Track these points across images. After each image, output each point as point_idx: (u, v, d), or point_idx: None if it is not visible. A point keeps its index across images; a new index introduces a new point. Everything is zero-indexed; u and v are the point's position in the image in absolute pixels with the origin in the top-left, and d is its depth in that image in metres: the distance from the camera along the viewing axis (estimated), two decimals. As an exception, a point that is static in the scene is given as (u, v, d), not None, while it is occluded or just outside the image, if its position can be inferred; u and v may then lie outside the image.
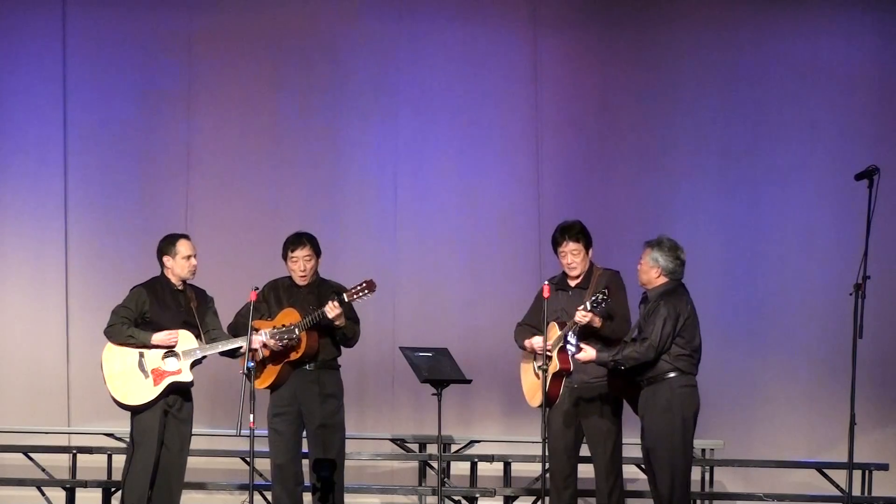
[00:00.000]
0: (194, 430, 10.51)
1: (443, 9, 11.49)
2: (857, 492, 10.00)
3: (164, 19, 11.36)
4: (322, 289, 8.60)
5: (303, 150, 11.41)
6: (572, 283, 8.21)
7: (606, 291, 7.83)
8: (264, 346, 8.29)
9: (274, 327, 8.35)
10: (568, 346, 7.85)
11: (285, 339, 8.28)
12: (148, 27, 11.35)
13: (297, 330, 8.31)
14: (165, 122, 11.38)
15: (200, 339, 8.31)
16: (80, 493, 10.01)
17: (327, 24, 11.44)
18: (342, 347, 8.64)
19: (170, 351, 8.27)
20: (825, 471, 10.40)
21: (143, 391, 8.21)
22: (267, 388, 8.52)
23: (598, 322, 7.93)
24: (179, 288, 8.41)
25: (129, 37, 11.34)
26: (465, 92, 11.45)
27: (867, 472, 10.35)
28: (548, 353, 7.89)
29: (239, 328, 8.45)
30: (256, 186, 11.36)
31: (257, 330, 8.28)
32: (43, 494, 10.28)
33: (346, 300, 8.33)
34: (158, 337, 8.22)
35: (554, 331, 8.02)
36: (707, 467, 10.53)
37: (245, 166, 11.37)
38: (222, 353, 8.36)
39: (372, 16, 11.43)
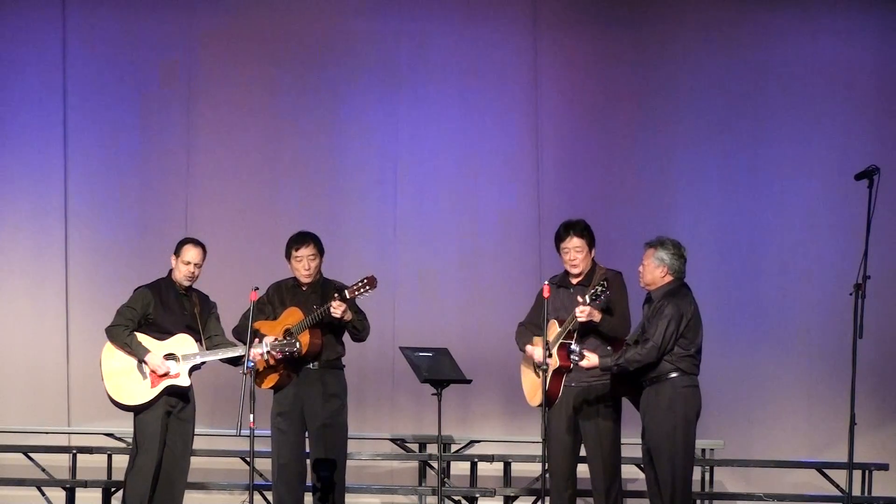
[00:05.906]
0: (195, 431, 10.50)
1: (443, 9, 11.49)
2: (857, 492, 10.01)
3: (164, 19, 11.37)
4: (325, 288, 8.60)
5: (303, 150, 11.41)
6: (574, 281, 8.17)
7: (606, 283, 7.79)
8: (269, 354, 8.28)
9: (276, 338, 8.32)
10: (571, 357, 7.81)
11: (286, 352, 8.28)
12: (148, 27, 11.36)
13: (297, 343, 8.30)
14: (165, 123, 11.38)
15: (201, 344, 8.31)
16: (80, 493, 10.00)
17: (328, 25, 11.44)
18: (348, 344, 8.64)
19: (170, 354, 8.27)
20: (825, 471, 10.40)
21: (140, 392, 8.23)
22: (271, 388, 8.53)
23: (597, 317, 7.90)
24: (184, 291, 8.41)
25: (129, 37, 11.34)
26: (464, 92, 11.45)
27: (867, 472, 10.35)
28: (548, 351, 7.88)
29: (242, 331, 8.45)
30: (256, 186, 11.37)
31: (258, 332, 8.28)
32: (43, 494, 10.28)
33: (348, 297, 8.34)
34: (153, 363, 8.22)
35: (554, 328, 8.01)
36: (707, 467, 10.52)
37: (245, 166, 11.38)
38: (223, 360, 8.38)
39: (372, 16, 11.43)
